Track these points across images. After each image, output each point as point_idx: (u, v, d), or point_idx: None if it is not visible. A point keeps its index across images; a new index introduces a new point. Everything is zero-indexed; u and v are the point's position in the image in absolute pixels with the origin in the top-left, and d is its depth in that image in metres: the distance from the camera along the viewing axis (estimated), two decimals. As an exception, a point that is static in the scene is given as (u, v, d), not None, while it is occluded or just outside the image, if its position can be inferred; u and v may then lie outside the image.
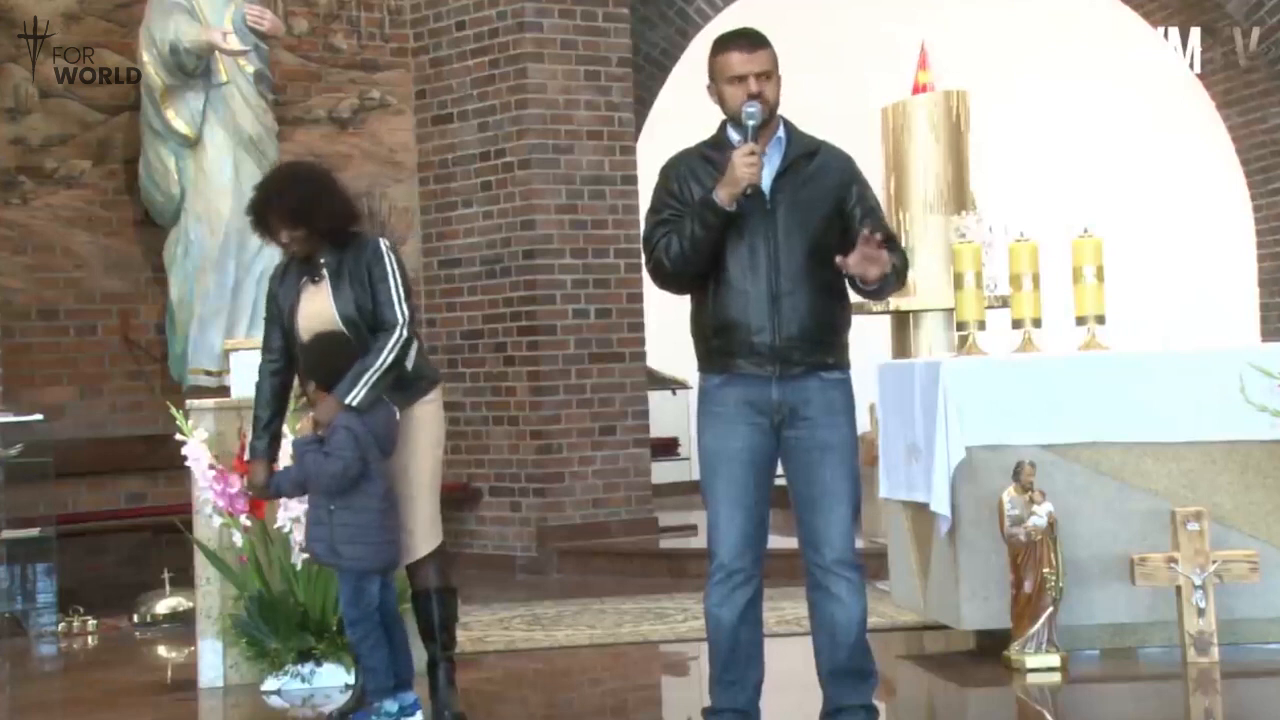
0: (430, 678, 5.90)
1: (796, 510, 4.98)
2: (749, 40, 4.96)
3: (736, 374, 4.93)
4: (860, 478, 5.05)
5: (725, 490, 4.94)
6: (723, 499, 4.94)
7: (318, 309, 5.81)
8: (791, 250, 4.87)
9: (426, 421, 5.85)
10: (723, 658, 5.01)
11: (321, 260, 5.83)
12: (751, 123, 4.84)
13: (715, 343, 4.96)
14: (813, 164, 4.95)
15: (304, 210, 5.79)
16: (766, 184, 4.91)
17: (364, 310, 5.76)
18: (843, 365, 5.00)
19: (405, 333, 5.73)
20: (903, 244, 8.93)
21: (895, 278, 4.94)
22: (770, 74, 4.91)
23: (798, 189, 4.91)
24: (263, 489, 5.88)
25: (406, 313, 5.76)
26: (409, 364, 5.81)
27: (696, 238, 4.87)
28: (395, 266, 5.82)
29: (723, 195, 4.81)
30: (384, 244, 5.88)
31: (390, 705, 5.78)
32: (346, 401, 5.63)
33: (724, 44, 4.98)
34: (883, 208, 5.13)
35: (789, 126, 5.01)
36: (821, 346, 4.92)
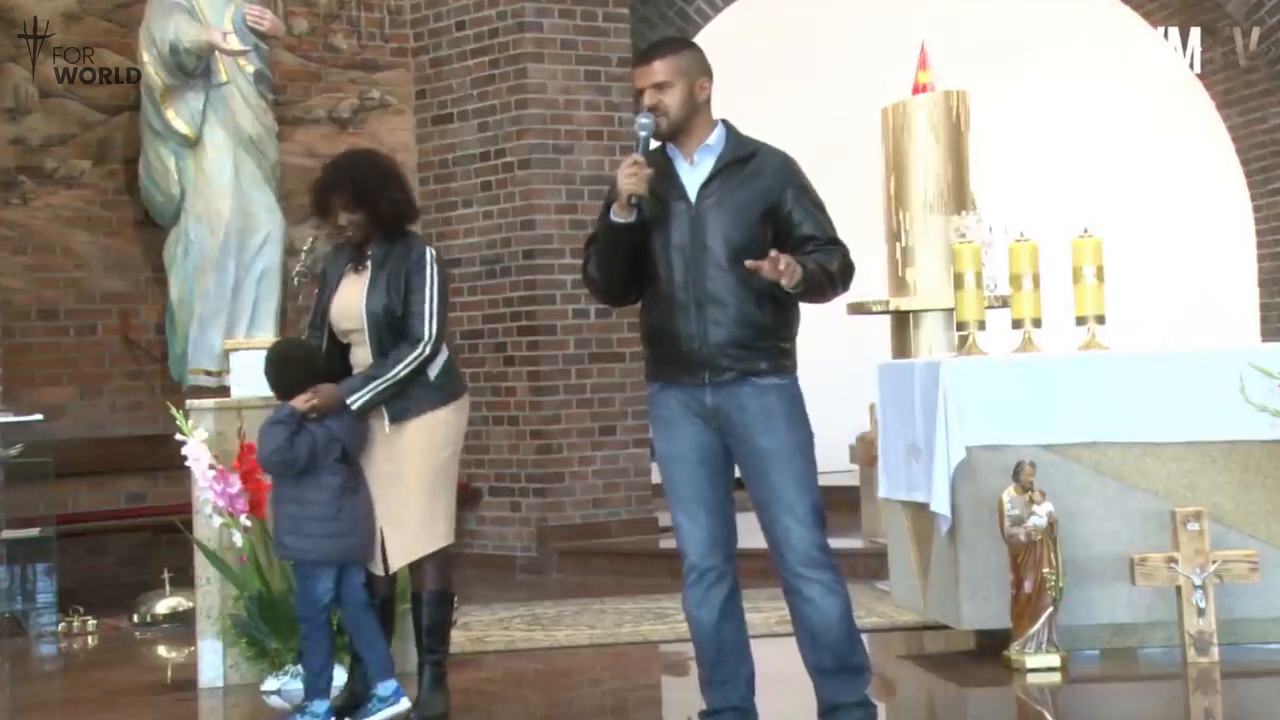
0: (418, 678, 5.94)
1: (757, 517, 4.98)
2: (645, 51, 5.01)
3: (672, 381, 4.95)
4: (813, 478, 4.95)
5: (683, 492, 4.96)
6: (682, 501, 4.97)
7: (350, 297, 5.87)
8: (716, 256, 4.85)
9: (434, 428, 5.84)
10: (710, 658, 5.02)
11: (369, 251, 5.86)
12: (642, 133, 4.86)
13: (650, 350, 5.01)
14: (747, 168, 4.92)
15: (370, 194, 5.84)
16: (693, 191, 4.90)
17: (391, 312, 5.78)
18: (780, 370, 4.93)
19: (428, 350, 5.76)
20: (903, 243, 9.06)
21: (830, 280, 4.89)
22: (668, 84, 4.89)
23: (726, 194, 4.88)
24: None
25: (435, 330, 5.76)
26: (432, 374, 5.83)
27: (601, 252, 4.94)
28: (436, 280, 5.82)
29: (614, 208, 4.84)
30: (430, 254, 5.88)
31: (318, 706, 5.81)
32: (348, 402, 5.68)
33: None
34: (827, 209, 5.02)
35: (728, 131, 4.98)
36: (751, 352, 4.88)
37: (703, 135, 4.95)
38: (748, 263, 4.75)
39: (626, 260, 4.92)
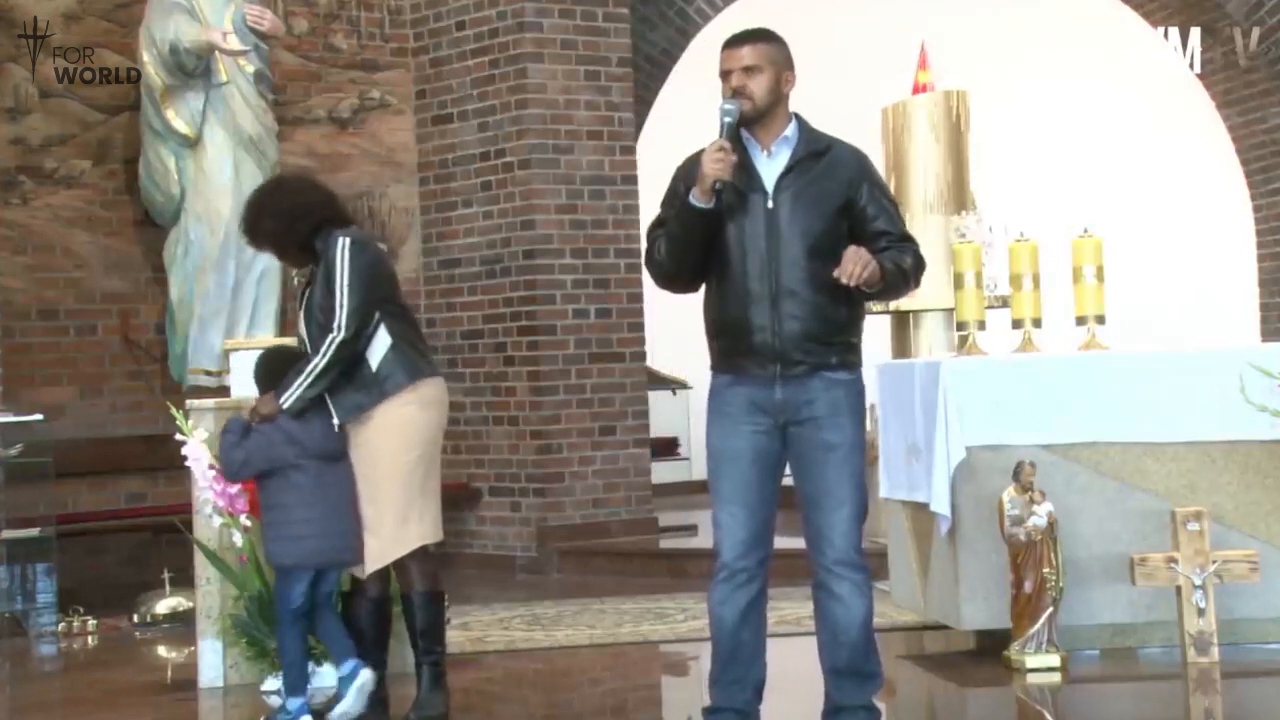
0: (416, 679, 5.95)
1: (802, 510, 4.99)
2: (736, 36, 4.99)
3: (742, 374, 4.93)
4: (865, 479, 5.02)
5: (729, 490, 4.95)
6: (727, 498, 4.95)
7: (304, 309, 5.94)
8: (793, 249, 4.86)
9: (394, 425, 5.81)
10: (724, 657, 5.01)
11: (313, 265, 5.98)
12: (728, 120, 4.85)
13: (720, 342, 4.99)
14: (821, 162, 4.93)
15: (258, 236, 6.02)
16: (770, 183, 4.91)
17: (321, 311, 5.82)
18: (849, 365, 4.97)
19: (339, 336, 5.74)
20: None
21: (904, 278, 4.93)
22: (757, 68, 4.90)
23: (803, 188, 4.89)
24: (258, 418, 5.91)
25: (344, 315, 5.74)
26: (374, 364, 5.81)
27: (677, 237, 4.91)
28: (348, 266, 5.78)
29: (696, 192, 4.83)
30: (342, 243, 5.84)
31: (293, 704, 5.82)
32: (279, 402, 5.75)
33: (724, 41, 5.01)
34: (899, 205, 5.10)
35: (801, 125, 4.99)
36: (824, 347, 4.90)
37: (780, 128, 4.95)
38: (835, 273, 4.77)
39: (700, 247, 4.91)
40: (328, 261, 5.82)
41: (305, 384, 5.76)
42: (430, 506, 5.90)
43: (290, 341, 6.38)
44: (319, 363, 5.75)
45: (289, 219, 5.91)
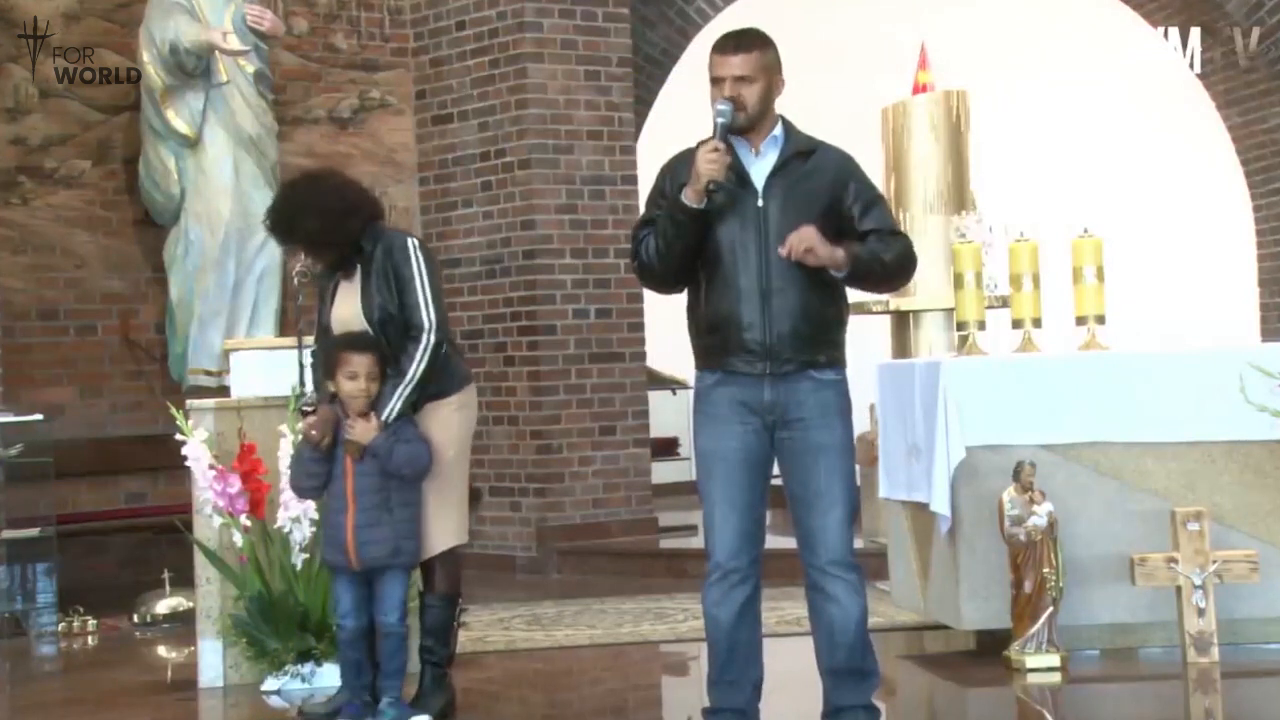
0: (420, 678, 5.96)
1: (792, 512, 4.99)
2: (732, 43, 4.97)
3: (729, 372, 4.93)
4: (855, 479, 5.02)
5: (720, 491, 4.95)
6: (718, 499, 4.95)
7: (350, 308, 5.82)
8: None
9: (437, 429, 5.82)
10: (721, 658, 5.02)
11: (355, 258, 5.84)
12: (721, 120, 4.86)
13: (708, 340, 4.98)
14: (809, 162, 4.95)
15: (298, 236, 5.87)
16: (760, 181, 4.92)
17: (388, 312, 5.73)
18: (836, 364, 4.98)
19: (434, 337, 5.70)
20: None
21: (881, 266, 4.93)
22: (750, 79, 4.90)
23: (791, 186, 4.91)
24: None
25: (434, 317, 5.70)
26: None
27: (668, 235, 4.91)
28: (423, 266, 5.76)
29: (688, 193, 4.84)
30: (412, 243, 5.83)
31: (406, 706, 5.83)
32: (382, 419, 5.64)
33: (715, 43, 5.02)
34: (887, 203, 5.11)
35: (787, 126, 5.01)
36: (813, 344, 4.91)
37: (768, 129, 4.98)
38: (780, 250, 4.77)
39: (689, 246, 4.91)
40: (393, 262, 5.75)
41: (406, 393, 5.68)
42: (458, 508, 5.92)
43: (286, 339, 6.30)
44: (418, 369, 5.68)
45: (339, 217, 5.79)
